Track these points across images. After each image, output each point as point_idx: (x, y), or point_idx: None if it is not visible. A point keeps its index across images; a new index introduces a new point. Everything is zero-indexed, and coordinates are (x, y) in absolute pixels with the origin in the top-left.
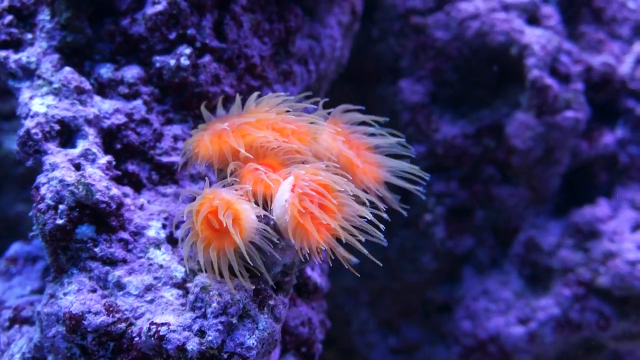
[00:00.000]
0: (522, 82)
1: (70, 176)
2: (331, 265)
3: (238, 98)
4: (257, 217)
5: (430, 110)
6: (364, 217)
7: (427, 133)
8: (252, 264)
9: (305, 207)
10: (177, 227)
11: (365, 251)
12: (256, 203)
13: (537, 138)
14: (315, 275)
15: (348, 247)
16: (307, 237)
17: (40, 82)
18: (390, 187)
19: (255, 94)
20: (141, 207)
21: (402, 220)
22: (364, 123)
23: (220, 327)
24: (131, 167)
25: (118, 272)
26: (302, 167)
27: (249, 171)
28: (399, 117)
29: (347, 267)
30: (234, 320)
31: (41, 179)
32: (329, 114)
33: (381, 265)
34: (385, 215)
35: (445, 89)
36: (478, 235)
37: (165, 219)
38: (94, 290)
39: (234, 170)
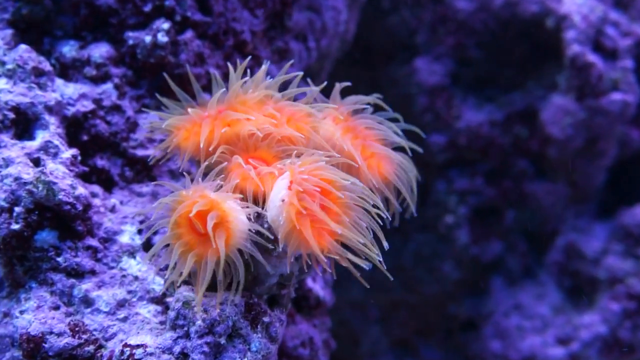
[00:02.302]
0: (559, 59)
1: (28, 173)
2: (335, 277)
3: (219, 78)
4: (248, 218)
5: (451, 94)
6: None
7: (447, 120)
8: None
9: (305, 208)
10: (156, 232)
11: (378, 261)
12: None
13: (577, 125)
14: (318, 288)
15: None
16: (305, 244)
17: None
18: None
19: (239, 72)
20: (112, 209)
21: (418, 222)
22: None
23: (205, 348)
24: (100, 162)
25: (85, 285)
26: (300, 161)
27: (238, 165)
28: (415, 101)
29: (356, 276)
30: (222, 341)
31: None
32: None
33: (390, 276)
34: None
35: (469, 68)
36: (508, 240)
37: (141, 222)
38: (56, 307)
39: (220, 164)
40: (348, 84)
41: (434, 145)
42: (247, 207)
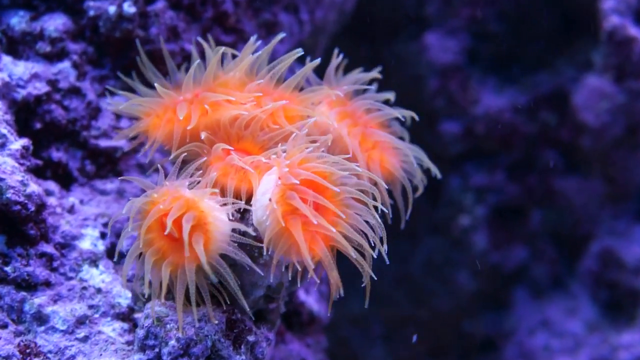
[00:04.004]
0: (595, 33)
1: None
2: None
3: (196, 55)
4: (231, 220)
5: (468, 74)
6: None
7: (462, 105)
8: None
9: (294, 208)
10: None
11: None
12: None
13: (616, 111)
14: (311, 301)
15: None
16: (295, 249)
17: None
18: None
19: (220, 50)
20: (71, 210)
21: (429, 224)
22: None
23: None
24: (57, 154)
25: (39, 299)
26: (290, 152)
27: (218, 157)
28: (425, 83)
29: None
30: None
31: None
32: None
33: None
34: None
35: (488, 44)
36: (534, 245)
37: (105, 225)
38: (4, 326)
39: (198, 158)
40: (342, 59)
41: (447, 134)
42: (229, 205)
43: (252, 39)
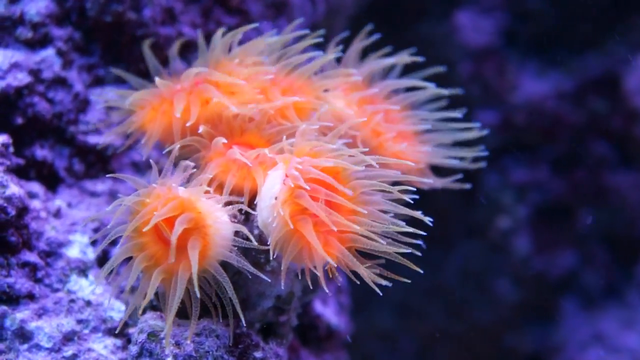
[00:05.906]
0: None
1: None
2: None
3: (202, 42)
4: (233, 223)
5: (505, 58)
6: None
7: (499, 92)
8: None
9: (304, 207)
10: (114, 242)
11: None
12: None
13: None
14: (329, 313)
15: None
16: (306, 252)
17: None
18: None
19: (219, 33)
20: (57, 214)
21: (464, 227)
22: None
23: None
24: (41, 152)
25: (21, 314)
26: (298, 146)
27: (218, 153)
28: (456, 69)
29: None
30: None
31: None
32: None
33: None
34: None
35: (528, 24)
36: (584, 249)
37: (96, 230)
38: None
39: (197, 153)
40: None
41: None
42: (231, 205)
43: (268, 34)
